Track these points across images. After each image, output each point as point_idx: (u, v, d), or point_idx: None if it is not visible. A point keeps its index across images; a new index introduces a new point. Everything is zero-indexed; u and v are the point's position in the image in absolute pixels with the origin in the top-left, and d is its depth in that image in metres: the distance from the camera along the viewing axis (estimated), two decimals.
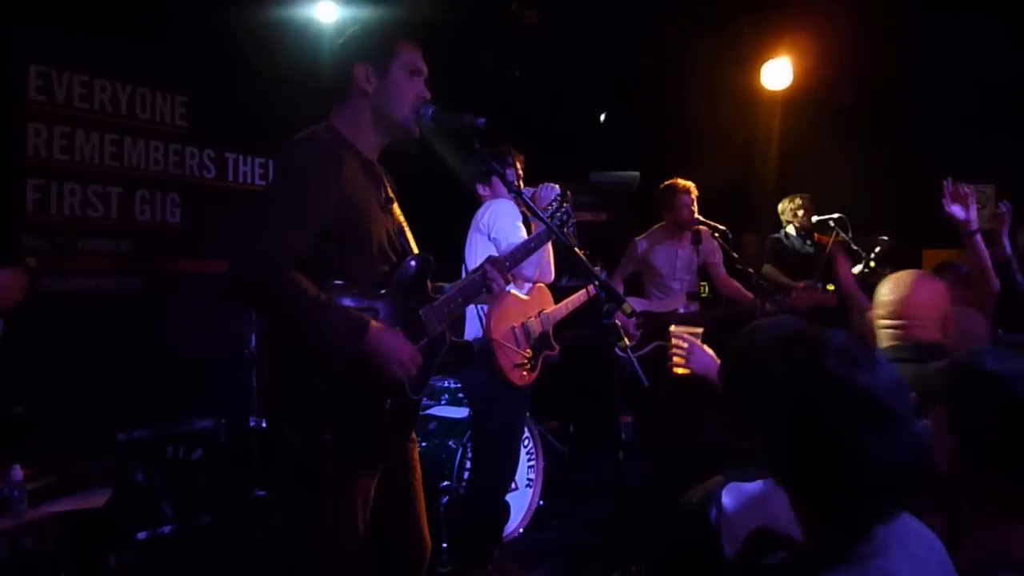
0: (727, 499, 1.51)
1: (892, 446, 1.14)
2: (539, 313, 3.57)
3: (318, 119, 2.13)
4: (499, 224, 3.29)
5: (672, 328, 2.35)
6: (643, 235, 4.78)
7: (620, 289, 4.68)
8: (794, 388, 1.21)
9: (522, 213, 3.36)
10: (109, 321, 4.30)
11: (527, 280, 3.43)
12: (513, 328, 3.40)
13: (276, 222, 1.92)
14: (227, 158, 5.08)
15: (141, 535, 3.93)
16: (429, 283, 2.25)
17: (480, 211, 3.43)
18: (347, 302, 1.99)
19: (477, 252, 3.28)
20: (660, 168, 5.28)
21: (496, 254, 2.73)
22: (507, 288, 2.96)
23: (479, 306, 3.32)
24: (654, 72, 6.12)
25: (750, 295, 4.51)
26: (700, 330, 2.33)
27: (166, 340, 4.50)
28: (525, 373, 3.42)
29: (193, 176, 4.90)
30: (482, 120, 2.10)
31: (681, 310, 4.55)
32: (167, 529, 4.06)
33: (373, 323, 1.95)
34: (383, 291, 2.10)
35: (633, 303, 4.48)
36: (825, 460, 1.17)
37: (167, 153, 4.77)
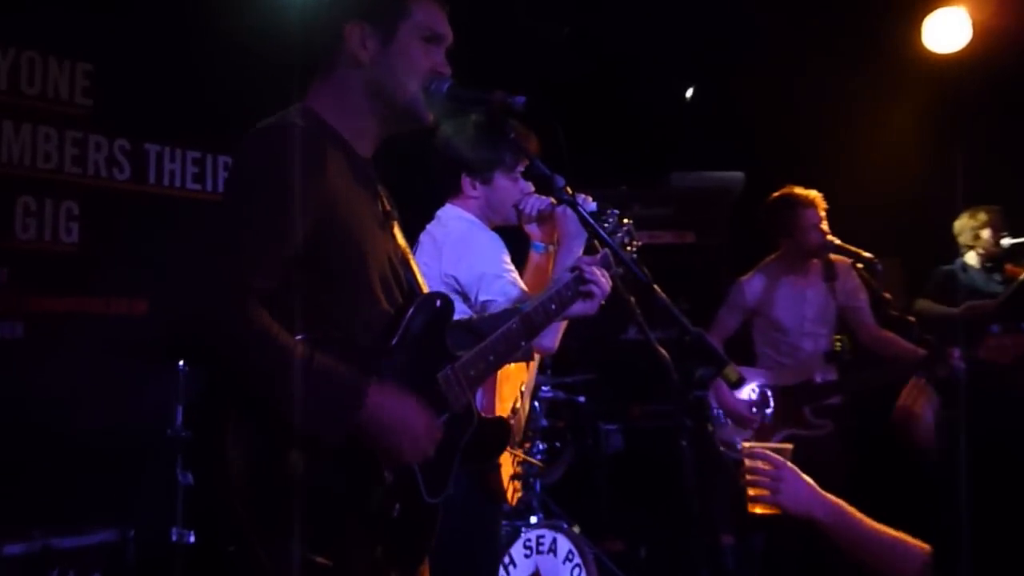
0: None
1: None
2: (514, 408, 3.53)
3: (277, 101, 2.18)
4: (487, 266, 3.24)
5: (745, 445, 2.36)
6: (751, 272, 4.91)
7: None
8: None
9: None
10: None
11: (547, 352, 3.35)
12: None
13: (235, 244, 1.95)
14: (147, 151, 5.03)
15: None
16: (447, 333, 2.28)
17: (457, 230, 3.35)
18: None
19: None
20: (773, 167, 5.49)
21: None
22: None
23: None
24: (766, 31, 6.09)
25: (916, 349, 4.48)
26: (789, 447, 2.35)
27: (54, 411, 4.37)
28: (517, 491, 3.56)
29: (98, 177, 4.84)
30: (521, 99, 2.19)
31: (818, 379, 4.60)
32: None
33: (373, 385, 2.00)
34: (387, 345, 2.14)
35: (745, 375, 4.44)
36: None
37: (62, 144, 4.72)
